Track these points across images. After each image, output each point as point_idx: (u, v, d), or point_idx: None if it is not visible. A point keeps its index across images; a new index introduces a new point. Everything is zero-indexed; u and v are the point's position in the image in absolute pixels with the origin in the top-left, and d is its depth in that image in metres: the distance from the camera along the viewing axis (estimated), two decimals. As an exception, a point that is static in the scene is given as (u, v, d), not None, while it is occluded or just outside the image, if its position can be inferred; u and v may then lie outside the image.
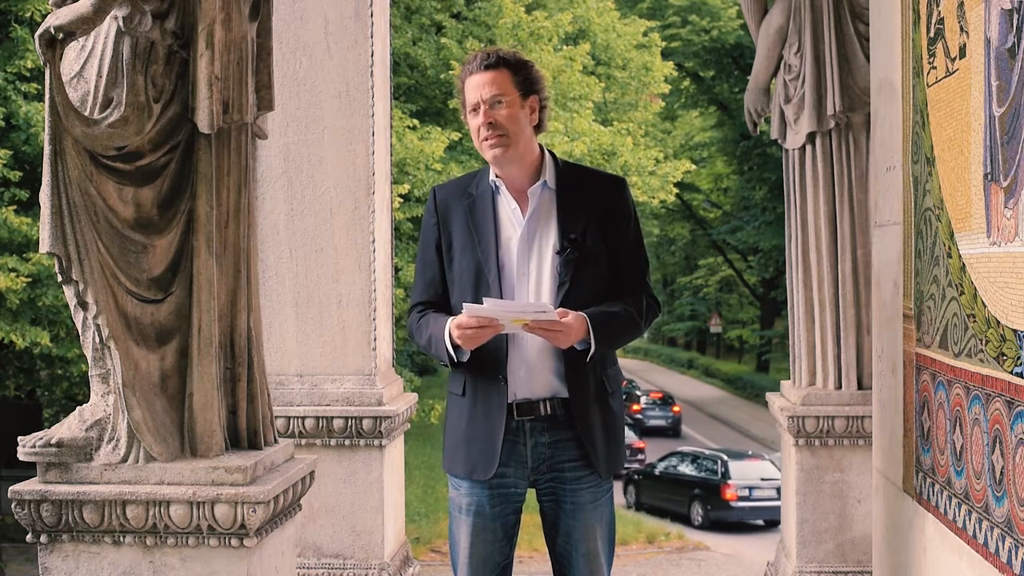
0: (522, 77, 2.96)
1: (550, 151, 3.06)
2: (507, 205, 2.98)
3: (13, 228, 11.46)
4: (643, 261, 3.08)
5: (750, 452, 22.19)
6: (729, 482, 18.52)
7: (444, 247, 3.00)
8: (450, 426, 3.04)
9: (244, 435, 2.68)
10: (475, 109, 2.93)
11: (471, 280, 2.93)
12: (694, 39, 29.36)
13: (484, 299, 2.81)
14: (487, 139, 2.92)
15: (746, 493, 18.51)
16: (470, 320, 2.79)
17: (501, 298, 2.89)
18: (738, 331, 40.94)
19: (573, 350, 2.87)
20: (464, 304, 2.80)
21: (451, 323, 2.86)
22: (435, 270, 3.03)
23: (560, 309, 2.82)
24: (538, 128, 3.02)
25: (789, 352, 4.90)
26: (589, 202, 2.98)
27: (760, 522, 18.60)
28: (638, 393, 32.63)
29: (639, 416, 29.47)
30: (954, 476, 2.63)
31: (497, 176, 3.00)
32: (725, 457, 19.70)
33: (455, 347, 2.88)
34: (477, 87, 2.92)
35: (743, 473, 18.88)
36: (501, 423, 2.90)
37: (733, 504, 18.32)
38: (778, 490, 17.97)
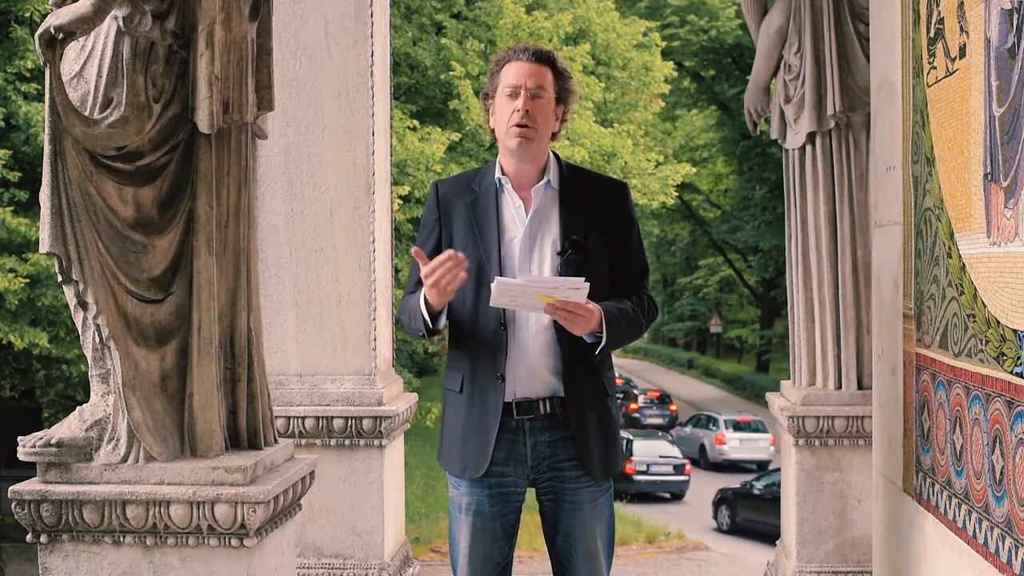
0: (562, 84, 3.00)
1: (554, 153, 3.08)
2: (511, 203, 2.98)
3: (12, 228, 11.46)
4: (643, 265, 3.10)
5: (660, 433, 25.07)
6: (631, 458, 21.10)
7: (444, 242, 3.00)
8: (447, 423, 3.05)
9: (244, 435, 2.68)
10: (514, 94, 2.93)
11: (472, 276, 2.92)
12: (692, 39, 29.37)
13: (520, 275, 2.82)
14: (517, 125, 2.92)
15: (644, 468, 21.21)
16: (433, 263, 2.76)
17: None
18: (738, 331, 40.97)
19: (575, 349, 2.87)
20: (496, 278, 2.77)
21: (423, 273, 2.82)
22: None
23: None
24: (553, 137, 3.04)
25: (789, 352, 4.90)
26: (591, 205, 2.99)
27: (667, 495, 21.40)
28: (636, 392, 32.85)
29: (636, 415, 29.81)
30: (954, 476, 2.63)
31: (503, 174, 3.00)
32: (630, 436, 22.17)
33: (433, 316, 2.87)
34: (522, 74, 2.94)
35: (644, 451, 21.57)
36: (496, 421, 2.90)
37: (633, 478, 20.99)
38: (675, 466, 21.38)
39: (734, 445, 24.46)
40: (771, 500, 17.12)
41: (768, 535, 16.64)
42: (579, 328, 2.81)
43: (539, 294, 2.74)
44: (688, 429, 26.63)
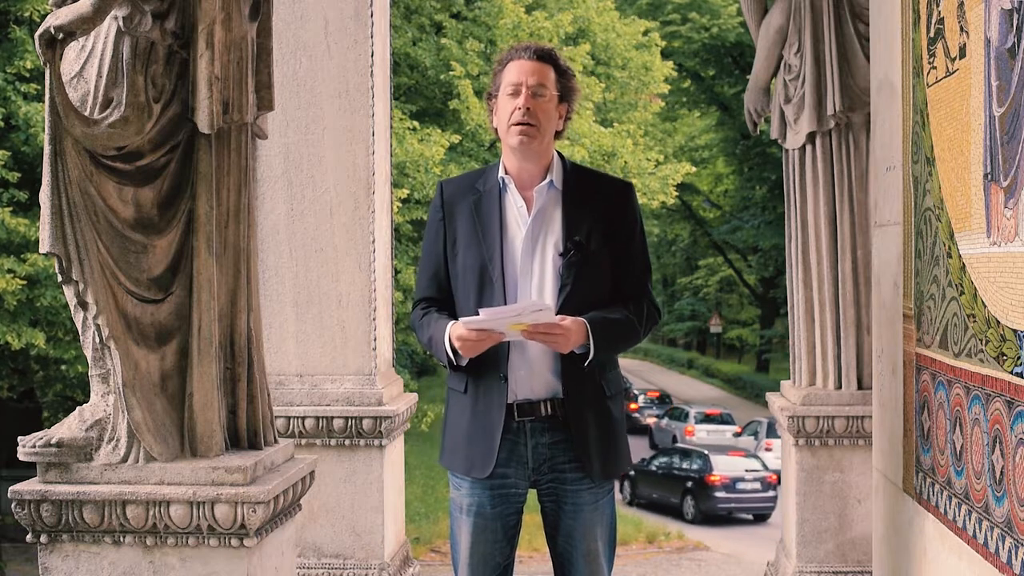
0: (564, 82, 3.00)
1: (559, 152, 3.07)
2: (514, 203, 2.98)
3: (11, 229, 11.46)
4: (646, 267, 3.08)
5: None
6: None
7: (448, 243, 3.00)
8: (451, 422, 3.04)
9: (244, 435, 2.68)
10: (515, 92, 2.93)
11: (475, 277, 2.93)
12: (694, 36, 29.37)
13: (480, 310, 2.81)
14: (519, 124, 2.91)
15: None
16: (469, 333, 2.80)
17: (504, 296, 2.88)
18: (738, 331, 40.96)
19: (572, 353, 2.87)
20: (461, 319, 2.82)
21: (450, 330, 2.87)
22: (439, 266, 3.02)
23: (559, 316, 2.82)
24: (558, 135, 3.04)
25: (789, 352, 4.90)
26: (595, 205, 2.98)
27: None
28: (635, 392, 33.03)
29: (636, 415, 30.13)
30: (954, 476, 2.63)
31: (506, 173, 3.00)
32: None
33: (455, 352, 2.88)
34: (523, 72, 2.93)
35: None
36: (500, 422, 2.90)
37: None
38: None
39: (702, 436, 25.95)
40: (662, 475, 20.44)
41: (658, 505, 19.77)
42: (562, 346, 2.82)
43: (507, 323, 2.75)
44: (665, 421, 28.36)
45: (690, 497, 19.42)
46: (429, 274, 3.05)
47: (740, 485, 19.26)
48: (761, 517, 19.48)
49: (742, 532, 18.22)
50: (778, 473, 20.78)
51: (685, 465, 20.22)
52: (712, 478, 19.22)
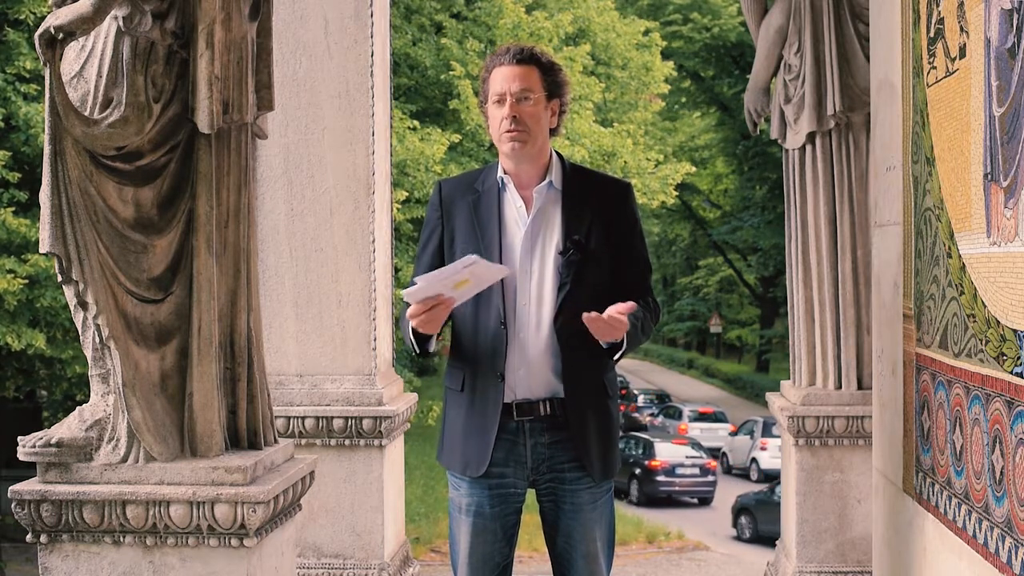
0: (551, 79, 2.97)
1: (558, 153, 3.06)
2: (512, 203, 2.98)
3: (11, 229, 11.46)
4: (646, 266, 3.08)
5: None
6: None
7: (446, 242, 2.99)
8: (448, 421, 3.04)
9: (244, 435, 2.68)
10: (500, 100, 2.92)
11: None
12: (695, 36, 29.39)
13: (415, 279, 2.80)
14: (508, 132, 2.91)
15: None
16: (416, 307, 2.77)
17: (503, 295, 2.88)
18: (738, 331, 40.96)
19: (575, 349, 2.87)
20: (403, 292, 2.80)
21: (408, 313, 2.85)
22: (435, 265, 3.01)
23: (619, 305, 2.78)
24: (553, 132, 3.02)
25: (789, 352, 4.90)
26: (594, 205, 2.98)
27: None
28: (635, 392, 33.13)
29: (635, 415, 30.31)
30: (954, 476, 2.63)
31: (505, 173, 3.00)
32: None
33: (419, 338, 2.88)
34: (506, 79, 2.92)
35: None
36: (496, 421, 2.90)
37: None
38: None
39: (695, 434, 26.58)
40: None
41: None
42: (607, 334, 2.80)
43: (451, 285, 2.72)
44: (660, 419, 29.38)
45: (635, 481, 21.15)
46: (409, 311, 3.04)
47: (679, 470, 20.91)
48: (705, 501, 21.05)
49: (681, 514, 19.43)
50: (716, 459, 22.35)
51: (631, 451, 21.71)
52: (654, 463, 21.00)
